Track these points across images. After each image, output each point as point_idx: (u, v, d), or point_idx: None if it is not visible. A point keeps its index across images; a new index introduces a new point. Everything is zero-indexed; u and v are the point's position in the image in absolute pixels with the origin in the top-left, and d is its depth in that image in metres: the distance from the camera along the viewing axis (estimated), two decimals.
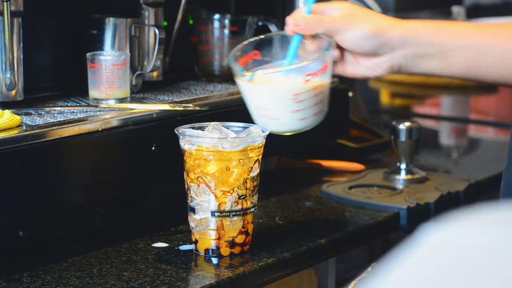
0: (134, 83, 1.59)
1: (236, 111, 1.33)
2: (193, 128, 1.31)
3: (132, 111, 1.43)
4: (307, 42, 1.33)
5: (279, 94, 1.28)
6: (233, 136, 1.29)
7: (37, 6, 1.51)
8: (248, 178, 1.28)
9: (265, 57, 1.35)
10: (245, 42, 1.34)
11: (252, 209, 1.30)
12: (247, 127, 1.32)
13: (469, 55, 1.26)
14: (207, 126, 1.31)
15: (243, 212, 1.29)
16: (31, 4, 1.45)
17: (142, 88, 1.62)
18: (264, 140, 1.30)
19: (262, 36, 1.36)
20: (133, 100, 1.51)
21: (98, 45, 1.57)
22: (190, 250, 1.32)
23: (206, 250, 1.30)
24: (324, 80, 1.30)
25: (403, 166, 1.70)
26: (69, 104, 1.49)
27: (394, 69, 1.30)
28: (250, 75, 1.28)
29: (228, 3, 1.87)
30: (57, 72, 1.59)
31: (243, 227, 1.30)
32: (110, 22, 1.57)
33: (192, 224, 1.31)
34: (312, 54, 1.32)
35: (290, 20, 1.32)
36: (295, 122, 1.30)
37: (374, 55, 1.30)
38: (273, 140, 1.37)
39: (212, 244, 1.29)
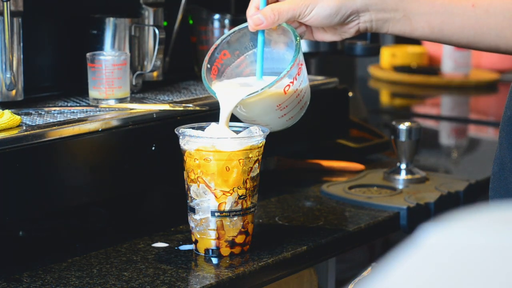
0: (134, 83, 1.59)
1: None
2: (193, 128, 1.31)
3: (132, 111, 1.43)
4: (272, 30, 1.31)
5: (263, 110, 1.29)
6: (233, 136, 1.29)
7: (37, 6, 1.51)
8: (248, 178, 1.28)
9: (235, 52, 1.34)
10: (210, 51, 1.32)
11: (252, 209, 1.30)
12: (247, 127, 1.32)
13: (432, 20, 1.28)
14: (207, 126, 1.31)
15: (243, 212, 1.29)
16: (31, 4, 1.45)
17: (142, 88, 1.62)
18: (264, 140, 1.30)
19: (225, 37, 1.34)
20: (133, 100, 1.51)
21: (98, 45, 1.57)
22: (190, 250, 1.32)
23: (206, 250, 1.30)
24: (302, 82, 1.30)
25: (403, 166, 1.70)
26: (69, 104, 1.49)
27: (361, 32, 1.32)
28: None
29: (228, 3, 1.87)
30: (57, 72, 1.59)
31: (243, 227, 1.30)
32: (110, 22, 1.57)
33: (192, 224, 1.31)
34: (280, 37, 1.31)
35: (249, 20, 1.29)
36: (284, 123, 1.33)
37: (341, 25, 1.31)
38: (273, 140, 1.37)
39: (212, 244, 1.29)
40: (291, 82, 1.27)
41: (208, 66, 1.31)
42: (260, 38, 1.30)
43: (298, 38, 1.27)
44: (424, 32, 1.29)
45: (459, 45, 1.32)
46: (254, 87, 1.27)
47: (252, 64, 1.34)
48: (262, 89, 1.25)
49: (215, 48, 1.32)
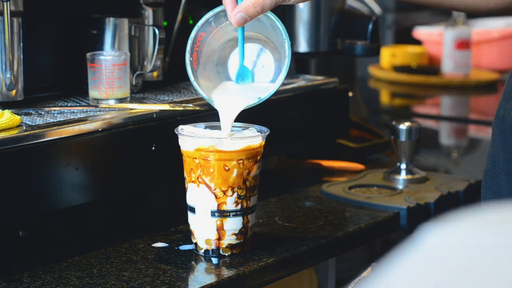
0: (134, 83, 1.59)
1: None
2: (193, 128, 1.31)
3: (132, 111, 1.43)
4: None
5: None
6: (233, 136, 1.29)
7: (37, 6, 1.51)
8: (248, 178, 1.28)
9: (210, 29, 1.32)
10: (189, 45, 1.31)
11: (252, 209, 1.30)
12: (247, 127, 1.32)
13: None
14: (206, 126, 1.32)
15: (243, 212, 1.29)
16: (31, 4, 1.45)
17: (142, 88, 1.62)
18: (264, 140, 1.30)
19: (200, 26, 1.31)
20: (133, 100, 1.51)
21: (98, 45, 1.57)
22: (190, 250, 1.32)
23: (206, 250, 1.30)
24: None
25: (403, 166, 1.70)
26: (69, 104, 1.49)
27: None
28: None
29: None
30: (57, 72, 1.59)
31: (243, 227, 1.30)
32: (110, 22, 1.57)
33: (192, 224, 1.31)
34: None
35: (232, 19, 1.24)
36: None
37: None
38: (273, 140, 1.37)
39: (212, 244, 1.29)
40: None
41: (190, 59, 1.30)
42: (239, 34, 1.29)
43: (289, 49, 1.27)
44: None
45: (429, 6, 1.33)
46: (247, 100, 1.28)
47: (225, 34, 1.32)
48: (260, 99, 1.27)
49: (193, 40, 1.31)
